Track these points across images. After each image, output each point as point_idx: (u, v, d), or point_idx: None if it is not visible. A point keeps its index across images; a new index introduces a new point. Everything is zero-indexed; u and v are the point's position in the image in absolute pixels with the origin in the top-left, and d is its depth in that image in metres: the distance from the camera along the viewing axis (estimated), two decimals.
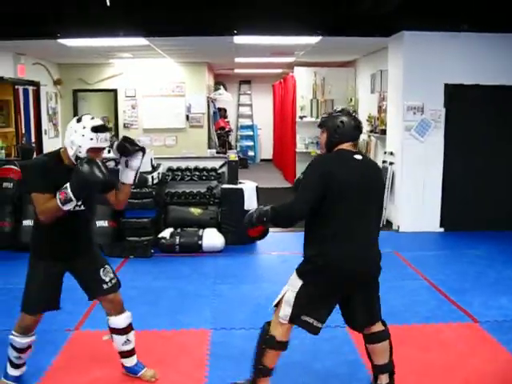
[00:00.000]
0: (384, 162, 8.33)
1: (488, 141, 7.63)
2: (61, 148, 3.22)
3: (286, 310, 3.11)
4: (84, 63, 11.36)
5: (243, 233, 3.44)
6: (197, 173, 7.33)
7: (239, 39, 8.13)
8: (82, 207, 3.20)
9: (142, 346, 4.10)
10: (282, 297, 3.19)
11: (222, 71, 14.86)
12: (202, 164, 7.46)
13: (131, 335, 3.48)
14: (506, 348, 4.03)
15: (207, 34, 7.63)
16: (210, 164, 7.47)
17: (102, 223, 6.70)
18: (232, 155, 7.49)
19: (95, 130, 3.04)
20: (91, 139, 3.03)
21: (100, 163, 3.03)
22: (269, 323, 3.25)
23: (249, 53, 10.17)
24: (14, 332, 3.31)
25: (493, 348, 4.10)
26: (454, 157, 7.68)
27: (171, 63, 11.53)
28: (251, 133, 16.81)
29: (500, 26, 7.20)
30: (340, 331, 4.34)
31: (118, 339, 3.45)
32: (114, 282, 3.40)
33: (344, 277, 3.03)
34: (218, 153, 8.87)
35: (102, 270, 3.36)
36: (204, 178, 7.31)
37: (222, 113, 14.83)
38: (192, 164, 7.44)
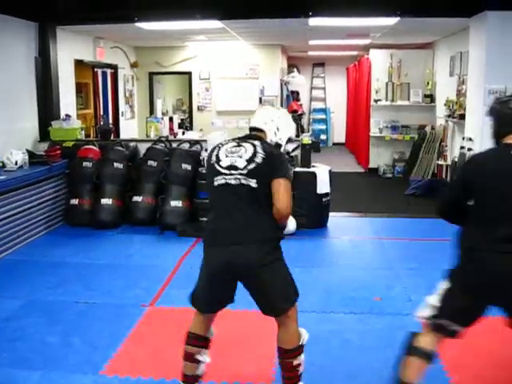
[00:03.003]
0: (462, 147, 8.06)
1: None
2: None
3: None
4: (160, 46, 11.56)
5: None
6: None
7: (314, 21, 8.02)
8: None
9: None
10: None
11: (296, 54, 14.77)
12: None
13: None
14: None
15: (283, 16, 7.58)
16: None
17: (176, 203, 6.84)
18: (305, 138, 7.45)
19: None
20: None
21: None
22: None
23: (324, 35, 10.05)
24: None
25: None
26: None
27: (245, 46, 11.54)
28: (324, 116, 16.67)
29: None
30: (411, 319, 4.26)
31: None
32: None
33: None
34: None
35: None
36: None
37: (295, 96, 14.74)
38: None
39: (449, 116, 9.57)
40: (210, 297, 3.05)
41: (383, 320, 4.27)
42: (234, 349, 3.78)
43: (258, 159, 2.88)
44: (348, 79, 15.91)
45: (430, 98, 11.15)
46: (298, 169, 7.13)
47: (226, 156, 2.95)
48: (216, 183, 2.94)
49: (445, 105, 9.83)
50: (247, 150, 2.94)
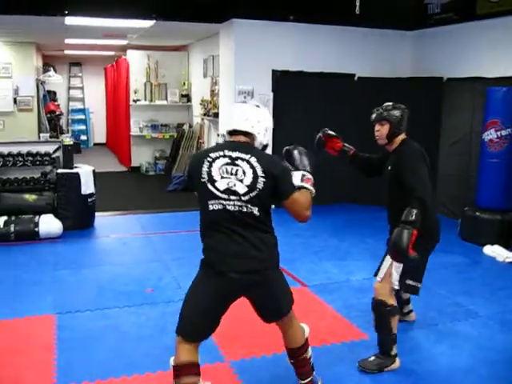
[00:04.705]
0: (217, 143, 8.68)
1: (311, 123, 8.20)
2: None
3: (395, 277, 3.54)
4: None
5: None
6: (30, 158, 7.08)
7: (70, 20, 7.96)
8: None
9: None
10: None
11: (51, 52, 14.29)
12: (34, 149, 7.22)
13: None
14: (332, 306, 4.59)
15: (37, 14, 7.36)
16: (43, 149, 7.26)
17: None
18: (66, 139, 7.36)
19: None
20: None
21: None
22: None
23: (80, 34, 9.96)
24: None
25: (321, 307, 4.63)
26: (280, 138, 8.12)
27: None
28: (83, 116, 16.38)
29: (321, 18, 7.88)
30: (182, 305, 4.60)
31: None
32: None
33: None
34: (51, 137, 8.64)
35: None
36: (38, 163, 7.10)
37: (52, 96, 14.28)
38: (24, 149, 7.18)
39: (204, 114, 10.19)
40: (202, 324, 2.85)
41: (156, 309, 4.52)
42: (10, 358, 3.69)
43: (260, 184, 2.68)
44: (106, 79, 15.85)
45: (187, 97, 11.72)
46: (60, 170, 7.03)
47: (222, 177, 2.71)
48: (211, 207, 2.74)
49: (200, 104, 10.44)
50: (246, 171, 2.69)
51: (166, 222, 7.58)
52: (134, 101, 11.57)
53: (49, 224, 6.59)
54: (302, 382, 3.16)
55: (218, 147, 2.84)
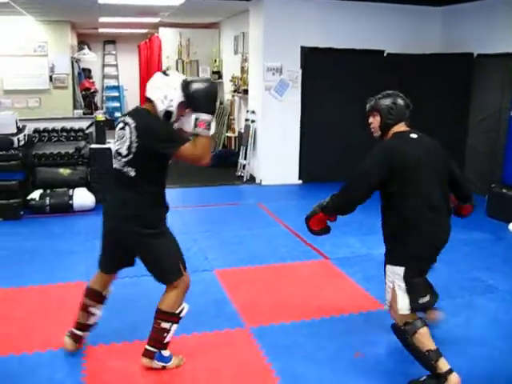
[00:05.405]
0: (246, 120, 8.78)
1: (340, 100, 8.29)
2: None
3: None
4: None
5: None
6: (64, 133, 7.32)
7: None
8: None
9: (20, 300, 4.26)
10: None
11: (86, 31, 14.48)
12: (69, 125, 7.45)
13: None
14: (352, 278, 4.72)
15: None
16: (77, 125, 7.48)
17: None
18: (99, 116, 7.55)
19: None
20: None
21: None
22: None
23: (113, 12, 10.11)
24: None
25: (341, 279, 4.75)
26: (309, 115, 8.28)
27: (32, 21, 11.11)
28: (117, 94, 16.60)
29: None
30: (207, 275, 4.78)
31: None
32: None
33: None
34: (84, 114, 8.86)
35: None
36: (72, 138, 7.33)
37: (87, 73, 14.53)
38: (59, 125, 7.41)
39: (235, 91, 10.27)
40: (107, 259, 3.36)
41: None
42: (43, 320, 3.92)
43: (133, 149, 2.99)
44: (140, 57, 15.98)
45: (218, 74, 11.79)
46: (93, 145, 7.24)
47: (116, 139, 3.09)
48: (113, 164, 3.16)
49: (230, 81, 10.53)
50: (126, 136, 3.01)
51: (194, 197, 7.74)
52: None
53: (82, 197, 6.82)
54: (146, 345, 3.30)
55: (126, 113, 3.17)
